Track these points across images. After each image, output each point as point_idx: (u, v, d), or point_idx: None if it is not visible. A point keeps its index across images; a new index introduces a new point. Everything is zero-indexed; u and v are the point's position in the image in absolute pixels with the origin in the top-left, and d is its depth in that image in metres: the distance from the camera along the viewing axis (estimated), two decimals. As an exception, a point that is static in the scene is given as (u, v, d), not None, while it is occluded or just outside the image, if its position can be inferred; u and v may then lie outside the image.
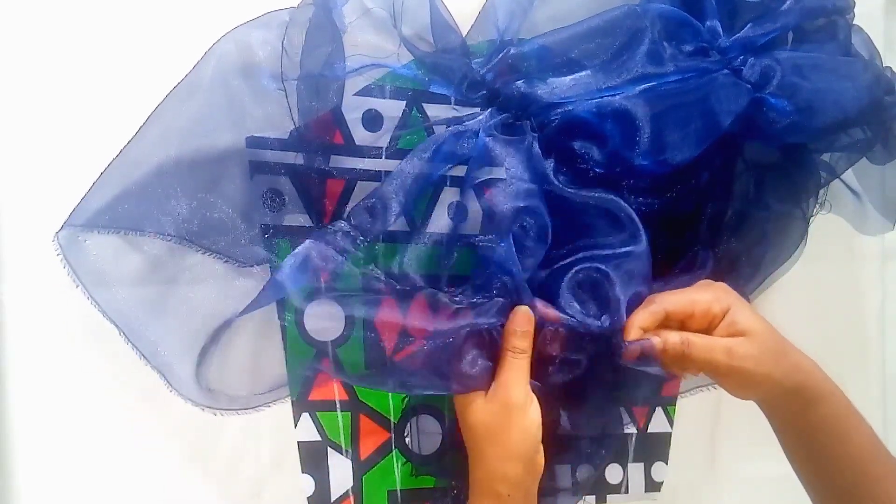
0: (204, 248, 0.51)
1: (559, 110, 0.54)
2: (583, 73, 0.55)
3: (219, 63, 0.51)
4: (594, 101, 0.54)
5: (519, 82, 0.55)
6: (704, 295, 0.54)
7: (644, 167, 0.55)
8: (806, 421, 0.54)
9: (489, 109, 0.56)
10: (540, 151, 0.55)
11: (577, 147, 0.55)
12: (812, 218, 0.65)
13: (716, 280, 0.57)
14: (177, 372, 0.52)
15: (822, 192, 0.65)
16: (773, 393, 0.53)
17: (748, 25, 0.57)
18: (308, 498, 0.58)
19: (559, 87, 0.55)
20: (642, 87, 0.54)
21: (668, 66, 0.55)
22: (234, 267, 0.53)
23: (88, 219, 0.49)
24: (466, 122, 0.55)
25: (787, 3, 0.57)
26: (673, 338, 0.52)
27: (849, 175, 0.66)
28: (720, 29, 0.57)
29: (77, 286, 0.50)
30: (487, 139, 0.54)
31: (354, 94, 0.55)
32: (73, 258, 0.49)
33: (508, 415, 0.50)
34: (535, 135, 0.55)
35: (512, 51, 0.55)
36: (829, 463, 0.54)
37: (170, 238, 0.50)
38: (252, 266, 0.53)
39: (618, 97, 0.54)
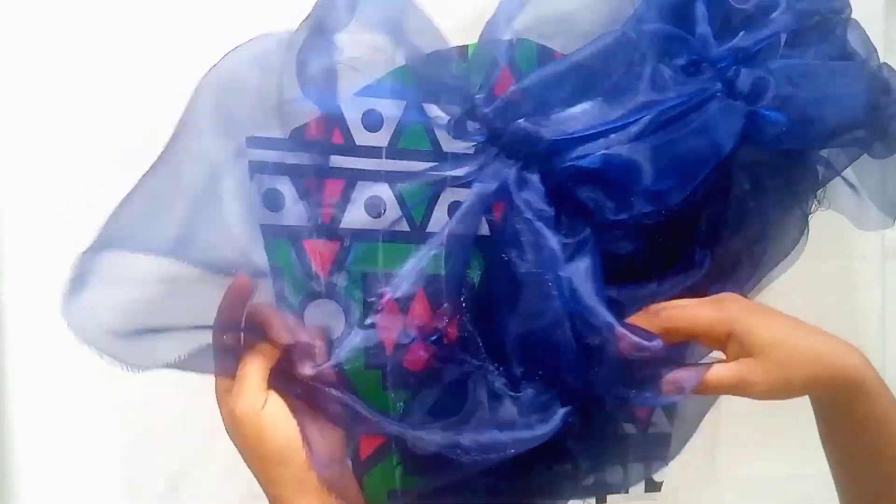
0: (200, 264, 0.50)
1: (566, 164, 0.53)
2: (586, 105, 0.54)
3: (218, 81, 0.50)
4: (599, 155, 0.53)
5: (521, 121, 0.53)
6: (707, 313, 0.52)
7: (649, 211, 0.54)
8: (843, 415, 0.52)
9: (495, 152, 0.54)
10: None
11: (583, 197, 0.54)
12: (811, 215, 0.65)
13: (715, 279, 0.56)
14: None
15: (820, 189, 0.65)
16: (801, 394, 0.52)
17: (741, 34, 0.56)
18: (308, 498, 0.57)
19: (564, 121, 0.53)
20: (647, 117, 0.53)
21: (670, 91, 0.54)
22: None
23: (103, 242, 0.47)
24: (482, 171, 0.54)
25: (779, 9, 0.57)
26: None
27: (847, 170, 0.66)
28: (711, 37, 0.56)
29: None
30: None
31: (354, 94, 0.55)
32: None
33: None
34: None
35: (512, 88, 0.54)
36: (863, 461, 0.53)
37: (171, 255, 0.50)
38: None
39: (624, 148, 0.53)
